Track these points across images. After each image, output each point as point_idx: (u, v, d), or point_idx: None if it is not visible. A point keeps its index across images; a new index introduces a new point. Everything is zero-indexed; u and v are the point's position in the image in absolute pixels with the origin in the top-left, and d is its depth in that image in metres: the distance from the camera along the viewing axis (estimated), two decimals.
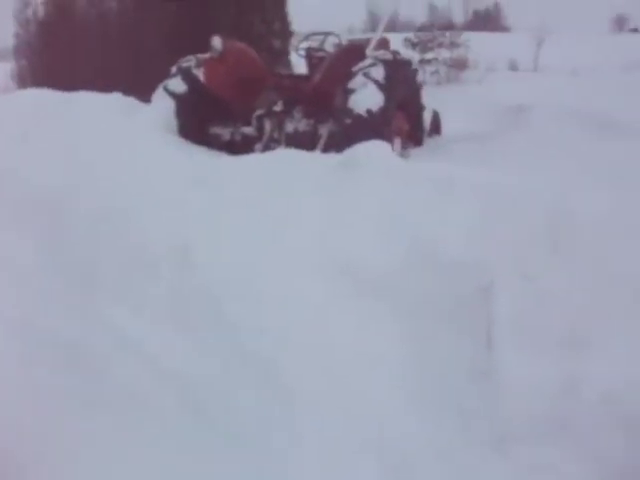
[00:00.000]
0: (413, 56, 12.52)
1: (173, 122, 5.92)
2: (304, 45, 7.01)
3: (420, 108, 6.72)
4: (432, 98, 7.35)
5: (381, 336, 3.05)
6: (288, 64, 11.31)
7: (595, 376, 2.58)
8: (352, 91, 5.37)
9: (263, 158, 4.44)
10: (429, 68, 16.47)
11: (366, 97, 5.29)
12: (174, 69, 6.26)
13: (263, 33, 10.59)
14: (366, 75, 5.39)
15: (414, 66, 6.95)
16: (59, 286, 3.60)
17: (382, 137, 4.50)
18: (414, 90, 6.54)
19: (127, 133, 5.17)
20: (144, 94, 6.48)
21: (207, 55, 6.14)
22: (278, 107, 5.91)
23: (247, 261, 3.40)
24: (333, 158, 4.17)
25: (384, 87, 5.34)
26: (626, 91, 11.00)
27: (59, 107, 5.52)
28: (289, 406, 2.78)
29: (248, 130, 6.05)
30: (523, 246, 3.19)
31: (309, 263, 3.36)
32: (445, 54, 17.15)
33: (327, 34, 6.91)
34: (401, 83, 5.81)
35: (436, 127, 7.44)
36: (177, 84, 6.12)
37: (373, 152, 3.96)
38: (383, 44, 6.56)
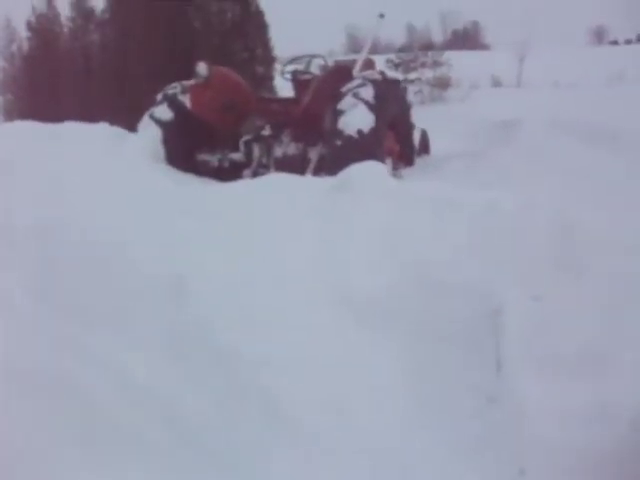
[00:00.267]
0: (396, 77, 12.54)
1: (160, 150, 5.87)
2: (290, 68, 6.97)
3: (410, 127, 6.69)
4: (417, 118, 7.31)
5: (383, 363, 2.96)
6: (272, 89, 11.34)
7: (619, 400, 2.47)
8: (342, 112, 5.32)
9: (254, 184, 4.36)
10: (412, 88, 16.51)
11: (356, 118, 5.24)
12: (160, 96, 6.22)
13: (246, 59, 10.65)
14: (355, 95, 5.34)
15: (403, 85, 6.93)
16: (48, 320, 3.44)
17: (375, 158, 4.44)
18: (404, 109, 6.51)
19: (114, 163, 5.10)
20: (130, 123, 6.43)
21: (192, 81, 6.10)
22: (266, 131, 5.85)
23: (241, 290, 3.29)
24: (326, 181, 4.10)
25: (374, 107, 5.29)
26: (611, 103, 11.10)
27: (46, 139, 5.47)
28: (289, 438, 2.66)
29: (236, 156, 6.00)
30: (527, 265, 3.13)
31: (306, 290, 3.27)
32: (428, 74, 17.26)
33: (312, 56, 6.88)
34: (391, 102, 5.77)
35: (425, 146, 7.42)
36: (163, 111, 6.07)
37: (367, 174, 3.89)
38: (369, 65, 6.55)
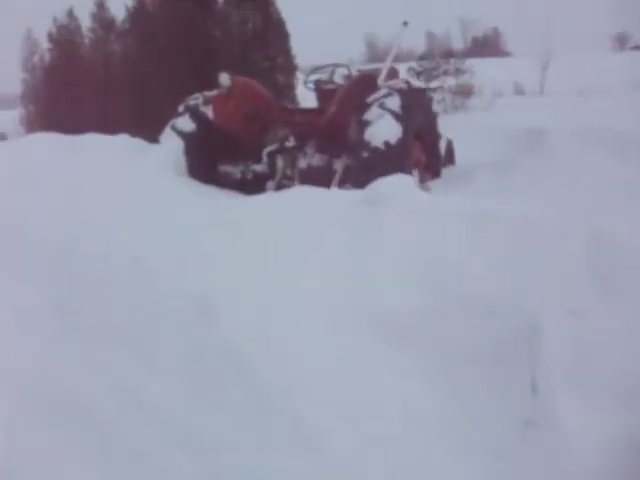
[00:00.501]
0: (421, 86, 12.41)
1: (182, 162, 5.79)
2: (313, 78, 6.86)
3: (437, 137, 6.56)
4: (441, 127, 7.18)
5: (413, 385, 2.84)
6: (294, 99, 11.27)
7: None
8: (368, 123, 5.20)
9: (280, 197, 4.25)
10: (435, 96, 16.39)
11: (383, 129, 5.12)
12: (181, 108, 6.15)
13: (267, 69, 10.61)
14: (382, 106, 5.22)
15: (429, 94, 6.80)
16: (68, 338, 3.38)
17: (402, 170, 4.32)
18: (430, 119, 6.38)
19: (135, 175, 5.04)
20: (151, 134, 6.38)
21: (215, 92, 6.03)
22: (290, 143, 5.75)
23: (269, 310, 3.18)
24: (353, 195, 3.98)
25: (401, 118, 5.17)
26: (638, 110, 10.88)
27: (66, 151, 5.44)
28: (315, 461, 2.55)
29: (259, 167, 5.91)
30: (566, 281, 3.00)
31: (334, 308, 3.15)
32: (450, 82, 17.09)
33: (336, 66, 6.76)
34: (417, 112, 5.64)
35: (450, 156, 7.26)
36: (185, 123, 6.00)
37: (397, 187, 3.77)
38: (393, 74, 6.43)
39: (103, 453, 2.62)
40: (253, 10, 10.44)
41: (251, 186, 5.67)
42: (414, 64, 18.25)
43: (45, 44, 17.02)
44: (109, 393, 2.95)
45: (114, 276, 3.66)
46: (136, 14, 12.73)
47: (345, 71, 6.73)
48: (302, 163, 5.66)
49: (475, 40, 60.83)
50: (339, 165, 5.45)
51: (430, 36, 55.72)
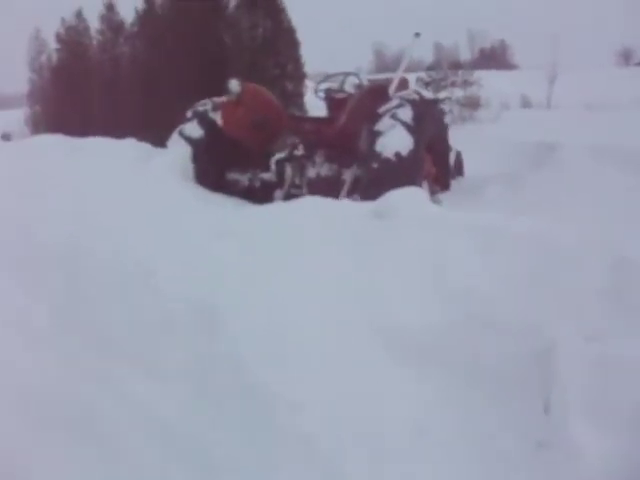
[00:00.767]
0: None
1: (189, 168, 5.73)
2: (323, 86, 6.79)
3: (447, 150, 6.50)
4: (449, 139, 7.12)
5: (424, 404, 2.78)
6: (302, 106, 11.22)
7: None
8: (379, 134, 5.13)
9: (290, 207, 4.18)
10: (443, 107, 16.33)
11: (394, 140, 5.05)
12: (190, 113, 6.09)
13: (277, 76, 10.56)
14: (393, 117, 5.15)
15: (440, 105, 6.73)
16: (73, 349, 3.31)
17: (413, 182, 4.25)
18: (441, 131, 6.32)
19: (143, 181, 4.99)
20: (158, 139, 6.32)
21: (224, 98, 5.97)
22: (299, 151, 5.68)
23: (279, 323, 3.11)
24: (364, 207, 3.92)
25: (413, 129, 5.10)
26: None
27: (72, 154, 5.39)
28: None
29: (267, 176, 5.84)
30: (583, 302, 2.95)
31: (344, 324, 3.09)
32: (458, 93, 17.06)
33: (347, 74, 6.70)
34: (429, 124, 5.58)
35: (459, 168, 7.19)
36: (193, 129, 5.94)
37: (409, 200, 3.71)
38: (403, 84, 6.37)
39: (103, 468, 2.57)
40: (264, 17, 10.40)
41: (259, 194, 5.61)
42: (422, 74, 18.21)
43: (53, 44, 17.06)
44: (113, 404, 2.90)
45: (121, 285, 3.60)
46: (145, 17, 12.71)
47: (356, 80, 6.66)
48: (311, 172, 5.60)
49: (482, 52, 60.86)
50: (348, 175, 5.39)
51: (438, 47, 55.74)
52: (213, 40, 10.58)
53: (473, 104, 16.93)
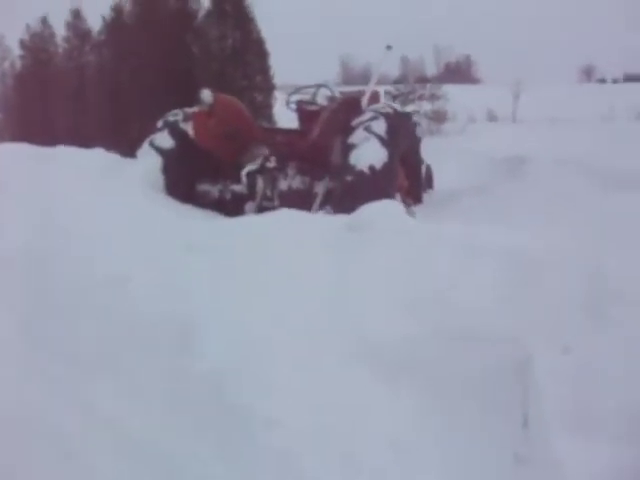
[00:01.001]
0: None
1: (160, 179, 5.64)
2: (295, 98, 6.77)
3: (419, 162, 6.52)
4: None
5: (402, 419, 2.75)
6: (271, 118, 11.17)
7: None
8: (353, 146, 5.11)
9: (263, 220, 4.12)
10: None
11: (368, 153, 5.04)
12: (160, 123, 6.00)
13: (245, 87, 10.48)
14: (367, 129, 5.14)
15: (413, 119, 6.76)
16: (40, 364, 3.21)
17: (386, 195, 4.24)
18: (414, 144, 6.33)
19: (111, 192, 4.87)
20: (127, 149, 6.22)
21: (195, 109, 5.90)
22: (271, 163, 5.63)
23: (253, 339, 3.05)
24: (339, 220, 3.88)
25: (387, 142, 5.09)
26: (612, 140, 11.08)
27: (38, 164, 5.25)
28: None
29: (238, 187, 5.78)
30: (559, 314, 2.97)
31: (324, 340, 3.04)
32: (426, 106, 17.26)
33: (319, 86, 6.68)
34: (402, 137, 5.58)
35: (429, 181, 7.23)
36: (164, 139, 5.86)
37: (385, 213, 3.70)
38: (374, 97, 6.38)
39: None
40: (233, 27, 10.34)
41: (229, 206, 5.55)
42: (391, 88, 18.37)
43: (17, 51, 16.73)
44: (79, 421, 2.82)
45: (87, 296, 3.51)
46: (112, 25, 12.52)
47: (328, 92, 6.64)
48: (283, 185, 5.55)
49: (448, 66, 61.76)
50: (320, 188, 5.36)
51: (404, 61, 56.41)
52: (181, 50, 10.46)
53: (440, 117, 17.15)
